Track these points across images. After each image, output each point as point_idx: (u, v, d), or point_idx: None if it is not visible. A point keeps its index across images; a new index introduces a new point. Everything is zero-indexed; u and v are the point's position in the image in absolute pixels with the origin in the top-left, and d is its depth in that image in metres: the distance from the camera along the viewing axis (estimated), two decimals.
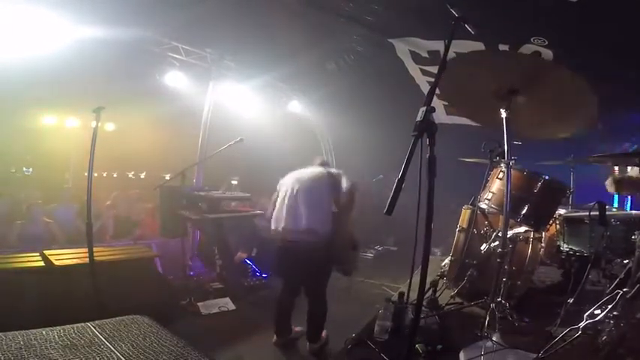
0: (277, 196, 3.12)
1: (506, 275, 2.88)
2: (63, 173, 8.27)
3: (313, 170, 3.14)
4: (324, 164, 3.26)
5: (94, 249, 3.05)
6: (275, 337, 3.11)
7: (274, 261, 3.30)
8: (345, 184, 2.97)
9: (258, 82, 6.19)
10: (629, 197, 4.30)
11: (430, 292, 3.34)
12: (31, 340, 1.49)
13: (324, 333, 3.06)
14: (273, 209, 3.11)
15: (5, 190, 5.98)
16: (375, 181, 7.00)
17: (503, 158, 2.82)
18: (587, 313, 2.43)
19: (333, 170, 3.12)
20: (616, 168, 3.62)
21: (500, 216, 3.02)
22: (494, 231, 3.35)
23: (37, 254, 3.35)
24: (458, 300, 3.39)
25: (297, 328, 3.17)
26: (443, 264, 4.11)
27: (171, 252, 4.63)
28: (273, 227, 3.07)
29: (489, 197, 3.16)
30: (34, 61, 4.20)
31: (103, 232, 5.34)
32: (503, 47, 4.20)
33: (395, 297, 3.07)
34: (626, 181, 3.22)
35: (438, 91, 1.60)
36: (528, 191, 3.00)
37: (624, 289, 2.33)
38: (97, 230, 4.81)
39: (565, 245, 3.23)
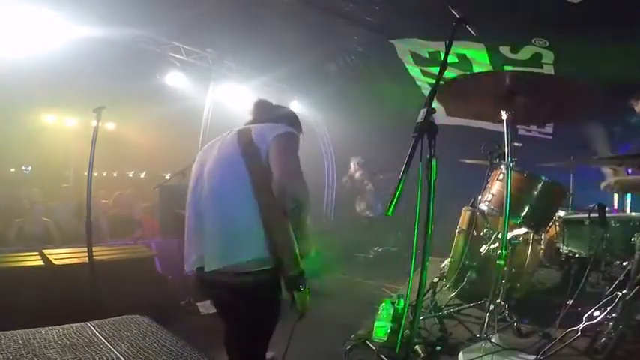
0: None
1: (506, 277, 2.88)
2: (62, 172, 8.28)
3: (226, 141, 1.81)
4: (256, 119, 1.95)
5: (93, 248, 3.05)
6: None
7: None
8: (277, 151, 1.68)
9: (258, 82, 6.20)
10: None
11: (430, 293, 3.34)
12: (30, 339, 1.49)
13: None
14: None
15: (5, 189, 5.98)
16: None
17: (503, 160, 2.83)
18: (586, 315, 2.44)
19: (256, 127, 1.81)
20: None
21: (500, 218, 3.02)
22: (493, 232, 3.35)
23: (37, 253, 3.35)
24: (457, 301, 3.39)
25: None
26: (442, 265, 4.11)
27: (171, 252, 4.62)
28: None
29: (489, 199, 3.16)
30: (35, 61, 4.21)
31: (96, 231, 5.30)
32: (504, 48, 4.21)
33: (395, 297, 3.07)
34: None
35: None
36: (528, 193, 2.99)
37: (623, 291, 2.33)
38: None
39: (564, 247, 3.22)
